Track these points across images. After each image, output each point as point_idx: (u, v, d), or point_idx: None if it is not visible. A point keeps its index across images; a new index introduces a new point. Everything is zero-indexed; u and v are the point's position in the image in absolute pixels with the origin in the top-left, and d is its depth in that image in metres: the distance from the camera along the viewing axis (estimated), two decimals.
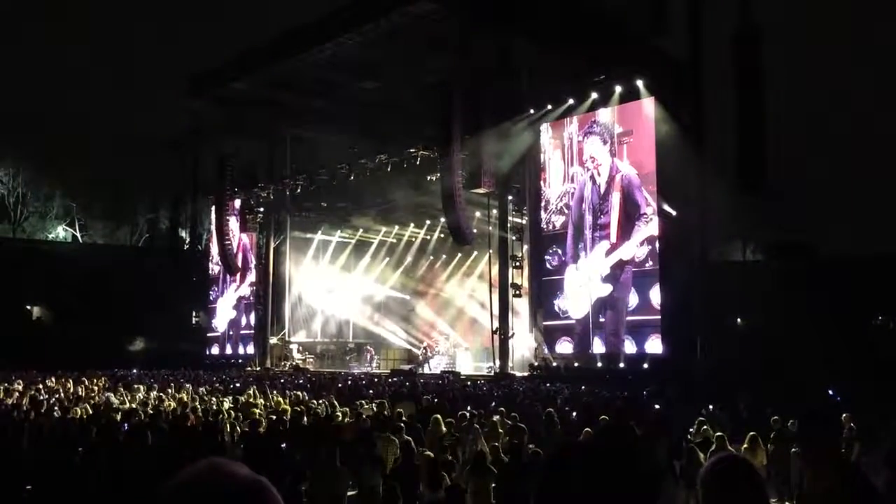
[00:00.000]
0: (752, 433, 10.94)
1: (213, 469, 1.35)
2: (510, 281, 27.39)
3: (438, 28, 26.60)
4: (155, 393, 18.28)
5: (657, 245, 24.11)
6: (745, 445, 10.60)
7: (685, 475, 9.12)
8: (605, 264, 25.25)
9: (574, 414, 13.83)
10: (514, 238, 28.15)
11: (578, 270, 26.04)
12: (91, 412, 13.22)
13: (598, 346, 25.34)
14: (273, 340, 37.06)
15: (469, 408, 14.18)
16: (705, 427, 11.29)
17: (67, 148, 51.05)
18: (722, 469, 2.28)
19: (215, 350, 40.39)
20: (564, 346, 26.28)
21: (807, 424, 11.36)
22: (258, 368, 34.62)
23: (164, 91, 47.04)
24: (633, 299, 24.53)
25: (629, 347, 24.46)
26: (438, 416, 12.00)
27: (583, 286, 25.86)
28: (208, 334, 41.02)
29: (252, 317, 38.31)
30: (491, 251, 28.86)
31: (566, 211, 26.79)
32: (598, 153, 25.99)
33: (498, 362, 27.29)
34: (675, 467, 9.40)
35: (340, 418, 13.00)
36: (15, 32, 60.70)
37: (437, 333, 35.84)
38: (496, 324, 27.39)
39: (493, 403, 15.05)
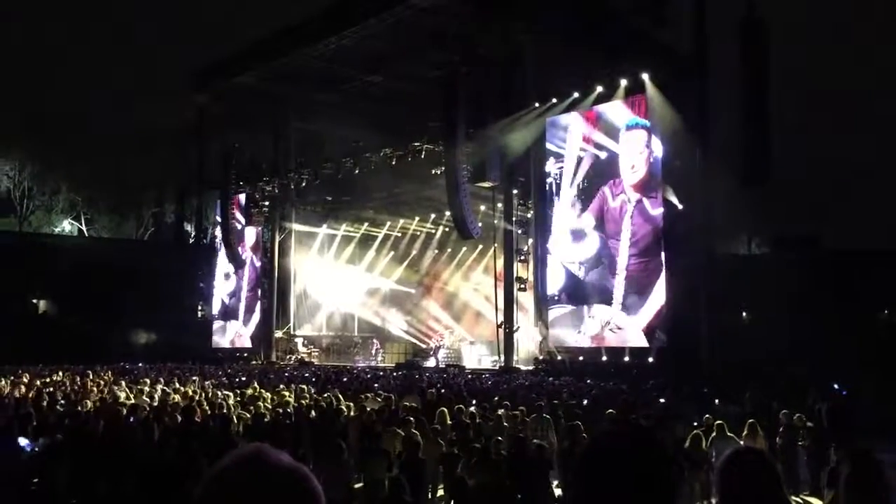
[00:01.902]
0: (750, 420, 11.01)
1: (258, 454, 1.40)
2: (515, 274, 27.35)
3: (443, 21, 26.55)
4: (161, 386, 18.30)
5: (662, 238, 24.04)
6: (745, 432, 10.66)
7: (689, 459, 9.45)
8: (611, 257, 25.19)
9: (579, 408, 13.82)
10: (519, 231, 28.10)
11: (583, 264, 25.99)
12: (98, 406, 13.25)
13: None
14: (278, 334, 37.15)
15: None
16: (707, 416, 11.37)
17: (73, 142, 51.17)
18: (740, 460, 2.29)
19: (221, 343, 40.46)
20: None
21: (834, 419, 11.49)
22: (263, 362, 34.68)
23: (170, 85, 46.95)
24: (638, 292, 24.49)
25: (634, 340, 24.43)
26: (444, 409, 12.01)
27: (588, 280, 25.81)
28: (214, 327, 41.11)
29: (257, 310, 38.38)
30: (496, 244, 28.82)
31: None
32: (603, 146, 25.89)
33: (503, 356, 27.29)
34: (680, 458, 9.48)
35: (346, 412, 13.00)
36: (15, 32, 60.82)
37: (442, 327, 35.83)
38: (501, 317, 27.38)
39: (497, 398, 15.05)
